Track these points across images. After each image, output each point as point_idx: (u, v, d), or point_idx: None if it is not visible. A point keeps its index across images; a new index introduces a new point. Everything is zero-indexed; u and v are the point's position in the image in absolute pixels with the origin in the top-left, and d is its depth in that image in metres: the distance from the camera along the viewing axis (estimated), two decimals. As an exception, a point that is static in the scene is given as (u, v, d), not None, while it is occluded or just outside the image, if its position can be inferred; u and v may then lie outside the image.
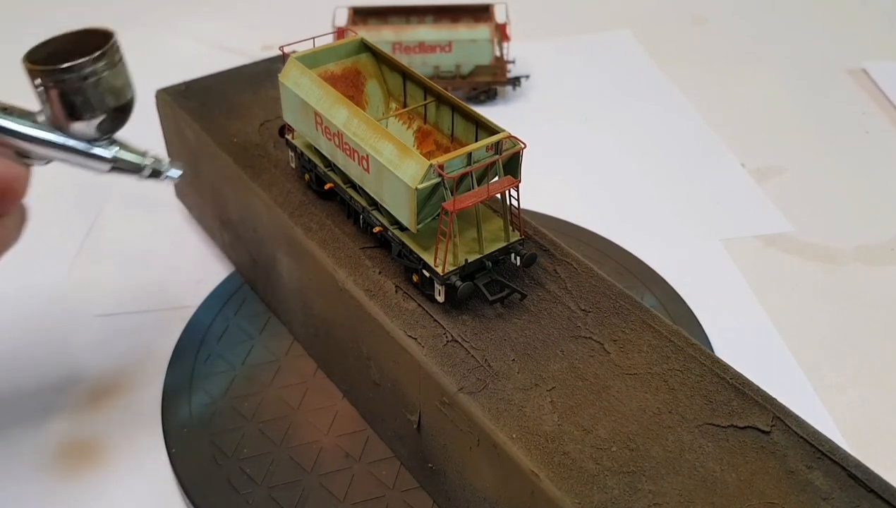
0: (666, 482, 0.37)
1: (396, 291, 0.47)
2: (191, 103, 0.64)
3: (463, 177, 0.43)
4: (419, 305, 0.46)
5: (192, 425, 0.53)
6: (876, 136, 0.86)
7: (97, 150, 0.45)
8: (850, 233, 0.72)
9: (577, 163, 0.82)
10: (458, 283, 0.44)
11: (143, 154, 0.47)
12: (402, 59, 0.86)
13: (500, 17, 0.89)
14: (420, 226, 0.44)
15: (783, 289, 0.66)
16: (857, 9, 1.13)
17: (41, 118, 0.44)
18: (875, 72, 0.97)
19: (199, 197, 0.67)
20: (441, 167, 0.42)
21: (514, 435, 0.38)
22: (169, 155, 0.68)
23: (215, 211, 0.64)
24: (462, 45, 0.87)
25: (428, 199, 0.43)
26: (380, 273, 0.48)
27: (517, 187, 0.44)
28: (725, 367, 0.43)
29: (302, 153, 0.53)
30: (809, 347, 0.61)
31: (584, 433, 0.39)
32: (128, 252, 0.70)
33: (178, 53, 1.04)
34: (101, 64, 0.43)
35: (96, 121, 0.44)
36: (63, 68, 0.42)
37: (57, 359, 0.60)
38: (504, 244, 0.45)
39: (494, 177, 0.44)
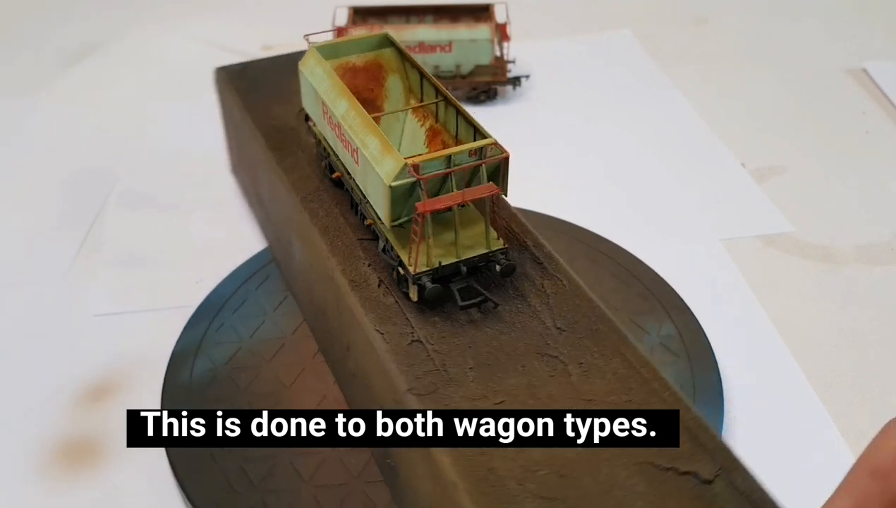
0: None
1: (379, 285, 0.47)
2: (243, 84, 0.66)
3: (444, 178, 0.43)
4: (396, 302, 0.46)
5: (189, 387, 0.55)
6: (876, 136, 0.86)
7: None
8: (850, 233, 0.72)
9: (576, 163, 0.82)
10: (428, 284, 0.44)
11: None
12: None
13: (500, 16, 0.89)
14: (396, 223, 0.44)
15: (783, 289, 0.66)
16: (857, 9, 1.13)
17: None
18: (875, 72, 0.97)
19: (245, 173, 0.71)
20: (416, 167, 0.42)
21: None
22: (225, 130, 0.73)
23: (253, 187, 0.68)
24: (462, 44, 0.87)
25: (407, 198, 0.43)
26: (369, 265, 0.48)
27: (497, 195, 0.43)
28: (687, 408, 0.41)
29: (319, 141, 0.54)
30: (809, 347, 0.61)
31: (518, 452, 0.38)
32: (128, 251, 0.70)
33: (178, 53, 1.04)
34: None
35: None
36: None
37: (57, 359, 0.60)
38: (484, 251, 0.45)
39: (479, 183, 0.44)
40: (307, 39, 0.53)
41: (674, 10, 1.14)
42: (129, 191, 0.78)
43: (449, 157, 0.42)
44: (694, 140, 0.86)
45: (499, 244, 0.45)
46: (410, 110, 0.52)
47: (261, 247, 0.68)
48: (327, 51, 0.52)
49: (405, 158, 0.42)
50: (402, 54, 0.53)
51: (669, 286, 0.64)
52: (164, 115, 0.91)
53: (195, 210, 0.75)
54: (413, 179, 0.42)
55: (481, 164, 0.43)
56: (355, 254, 0.49)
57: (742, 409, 0.55)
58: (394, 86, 0.53)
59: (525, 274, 0.47)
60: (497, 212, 0.45)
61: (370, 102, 0.53)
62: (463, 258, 0.44)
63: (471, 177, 0.44)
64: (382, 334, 0.44)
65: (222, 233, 0.72)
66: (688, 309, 0.61)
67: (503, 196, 0.45)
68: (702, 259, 0.69)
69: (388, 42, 0.53)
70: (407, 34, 0.87)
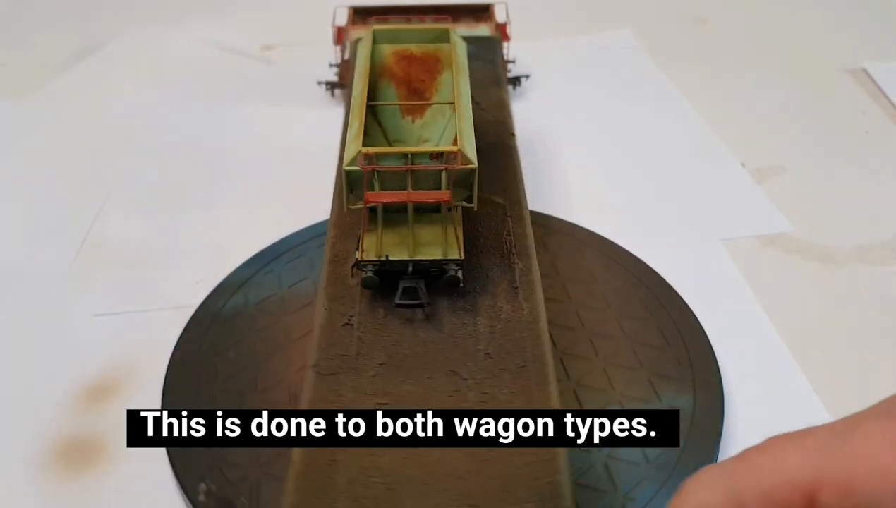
0: None
1: (354, 265, 0.48)
2: None
3: (404, 174, 0.43)
4: (358, 284, 0.46)
5: (217, 315, 0.60)
6: (876, 136, 0.86)
7: None
8: (850, 233, 0.72)
9: (576, 162, 0.82)
10: (368, 273, 0.45)
11: None
12: (402, 59, 0.87)
13: (500, 16, 0.89)
14: (356, 207, 0.45)
15: (783, 289, 0.66)
16: (857, 9, 1.13)
17: None
18: (875, 72, 0.97)
19: None
20: (368, 156, 0.42)
21: (292, 477, 0.38)
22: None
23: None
24: (462, 44, 0.87)
25: (363, 185, 0.44)
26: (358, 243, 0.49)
27: (447, 203, 0.43)
28: (557, 470, 0.38)
29: None
30: (809, 347, 0.61)
31: (368, 455, 0.38)
32: (128, 251, 0.70)
33: (178, 53, 1.04)
34: None
35: None
36: None
37: (57, 359, 0.60)
38: (437, 257, 0.45)
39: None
40: (372, 23, 0.55)
41: (674, 10, 1.14)
42: (129, 191, 0.78)
43: (407, 155, 0.43)
44: (693, 140, 0.86)
45: (454, 254, 0.45)
46: (452, 106, 0.52)
47: (261, 246, 0.68)
48: (387, 36, 0.54)
49: (368, 148, 0.43)
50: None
51: (669, 286, 0.64)
52: (164, 115, 0.91)
53: (196, 210, 0.75)
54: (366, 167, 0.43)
55: (441, 169, 0.43)
56: (357, 227, 0.49)
57: (742, 409, 0.55)
58: (446, 81, 0.54)
59: (495, 293, 0.47)
60: (456, 224, 0.45)
61: (419, 93, 0.53)
62: (413, 258, 0.45)
63: (435, 181, 0.44)
64: (328, 310, 0.46)
65: (223, 233, 0.72)
66: (688, 308, 0.61)
67: (471, 207, 0.45)
68: (701, 258, 0.69)
69: (448, 36, 0.53)
70: (407, 34, 0.87)
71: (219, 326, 0.59)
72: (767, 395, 0.57)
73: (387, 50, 0.54)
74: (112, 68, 1.01)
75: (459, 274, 0.45)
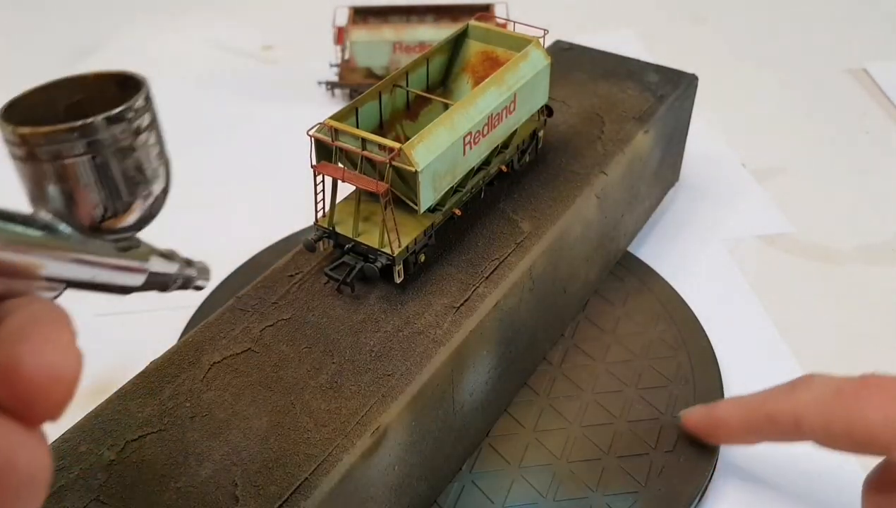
0: (153, 448, 0.39)
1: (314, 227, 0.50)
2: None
3: (359, 159, 0.45)
4: (326, 249, 0.49)
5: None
6: (876, 136, 0.86)
7: (128, 261, 0.30)
8: (850, 233, 0.72)
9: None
10: (311, 238, 0.48)
11: (171, 256, 0.34)
12: (402, 60, 0.87)
13: (500, 16, 0.89)
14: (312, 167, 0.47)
15: (784, 289, 0.66)
16: (857, 9, 1.13)
17: (42, 219, 0.28)
18: (875, 72, 0.97)
19: None
20: (330, 129, 0.45)
21: (157, 358, 0.45)
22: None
23: None
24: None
25: (329, 158, 0.46)
26: None
27: (381, 194, 0.44)
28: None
29: None
30: (810, 347, 0.61)
31: (200, 381, 0.42)
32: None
33: (178, 54, 1.04)
34: (151, 110, 0.30)
35: (146, 205, 0.30)
36: (109, 117, 0.27)
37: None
38: (374, 246, 0.47)
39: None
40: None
41: (674, 10, 1.14)
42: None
43: (362, 140, 0.44)
44: (694, 140, 0.86)
45: (385, 249, 0.46)
46: (446, 106, 0.53)
47: (262, 246, 0.68)
48: (480, 33, 0.55)
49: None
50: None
51: (670, 285, 0.64)
52: (164, 115, 0.91)
53: (196, 210, 0.75)
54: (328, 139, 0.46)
55: (386, 162, 0.44)
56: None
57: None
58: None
59: (430, 304, 0.47)
60: (390, 221, 0.46)
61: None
62: (354, 237, 0.47)
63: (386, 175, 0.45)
64: (290, 259, 0.50)
65: (223, 233, 0.72)
66: (688, 308, 0.62)
67: (415, 209, 0.46)
68: (702, 259, 0.69)
69: (530, 48, 0.53)
70: (407, 34, 0.87)
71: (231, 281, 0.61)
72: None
73: (476, 46, 0.55)
74: (112, 68, 1.01)
75: (378, 268, 0.47)
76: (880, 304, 0.65)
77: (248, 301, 0.48)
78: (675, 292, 0.63)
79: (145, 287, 0.32)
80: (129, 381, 0.44)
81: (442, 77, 0.56)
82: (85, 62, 1.02)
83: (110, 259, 0.29)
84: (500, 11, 0.90)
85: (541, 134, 0.58)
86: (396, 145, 0.44)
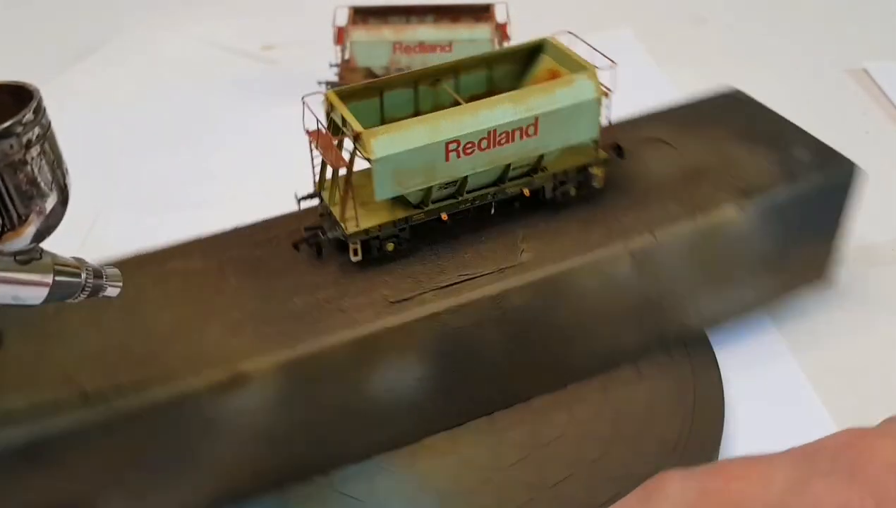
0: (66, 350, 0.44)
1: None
2: None
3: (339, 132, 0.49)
4: (324, 209, 0.51)
5: None
6: (876, 136, 0.86)
7: (27, 274, 0.30)
8: (850, 233, 0.72)
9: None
10: (301, 196, 0.51)
11: (78, 265, 0.35)
12: (402, 60, 0.87)
13: (500, 16, 0.89)
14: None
15: (783, 289, 0.66)
16: (857, 9, 1.13)
17: None
18: (875, 72, 0.97)
19: None
20: (331, 106, 0.49)
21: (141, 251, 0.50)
22: None
23: None
24: (462, 44, 0.86)
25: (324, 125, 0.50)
26: None
27: (333, 167, 0.47)
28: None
29: None
30: (810, 348, 0.61)
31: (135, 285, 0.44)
32: (128, 251, 0.70)
33: (178, 53, 1.04)
34: (42, 122, 0.30)
35: (42, 218, 0.31)
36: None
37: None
38: (338, 219, 0.49)
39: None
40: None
41: (674, 9, 1.14)
42: (130, 191, 0.78)
43: (343, 120, 0.47)
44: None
45: (342, 225, 0.48)
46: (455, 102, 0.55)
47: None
48: (553, 50, 0.55)
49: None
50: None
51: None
52: (164, 115, 0.91)
53: (196, 210, 0.75)
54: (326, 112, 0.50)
55: (355, 149, 0.46)
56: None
57: (743, 408, 0.55)
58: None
59: (373, 290, 0.48)
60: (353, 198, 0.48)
61: None
62: (328, 208, 0.50)
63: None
64: (295, 214, 0.53)
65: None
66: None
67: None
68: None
69: (584, 70, 0.52)
70: (407, 34, 0.87)
71: None
72: (768, 394, 0.57)
73: (547, 63, 0.55)
74: (112, 67, 1.01)
75: (328, 239, 0.49)
76: (880, 304, 0.65)
77: (242, 231, 0.52)
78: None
79: (49, 299, 0.32)
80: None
81: (509, 86, 0.55)
82: (85, 62, 1.02)
83: (8, 273, 0.29)
84: (500, 11, 0.90)
85: (594, 171, 0.53)
86: (360, 129, 0.45)
